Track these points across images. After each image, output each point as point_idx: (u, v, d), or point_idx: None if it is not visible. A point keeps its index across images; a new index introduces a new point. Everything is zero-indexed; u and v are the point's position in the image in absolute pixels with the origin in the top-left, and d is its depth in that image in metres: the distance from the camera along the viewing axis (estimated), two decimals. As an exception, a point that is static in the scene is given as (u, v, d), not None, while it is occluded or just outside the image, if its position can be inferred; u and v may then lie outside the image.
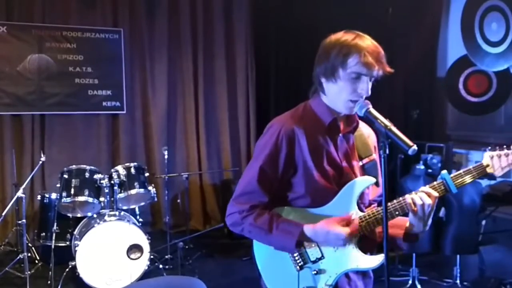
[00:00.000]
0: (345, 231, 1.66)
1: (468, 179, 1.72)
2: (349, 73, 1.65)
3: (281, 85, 6.80)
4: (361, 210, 1.76)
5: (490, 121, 5.78)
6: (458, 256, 4.34)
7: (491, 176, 5.01)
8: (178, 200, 6.10)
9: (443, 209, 4.25)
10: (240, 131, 6.71)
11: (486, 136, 5.65)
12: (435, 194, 1.68)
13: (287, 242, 1.69)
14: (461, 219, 4.24)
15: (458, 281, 4.31)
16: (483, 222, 4.88)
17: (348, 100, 1.68)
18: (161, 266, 4.53)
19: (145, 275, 4.13)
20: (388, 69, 1.67)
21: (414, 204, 1.67)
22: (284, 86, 6.77)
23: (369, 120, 1.65)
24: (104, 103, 6.06)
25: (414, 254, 4.26)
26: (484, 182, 5.10)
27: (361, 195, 1.76)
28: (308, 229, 1.69)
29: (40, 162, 4.62)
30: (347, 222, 1.70)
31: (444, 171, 1.74)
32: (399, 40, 6.04)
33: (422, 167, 4.43)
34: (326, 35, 1.75)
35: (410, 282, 4.27)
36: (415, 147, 1.53)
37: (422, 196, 1.67)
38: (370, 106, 1.65)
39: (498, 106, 5.64)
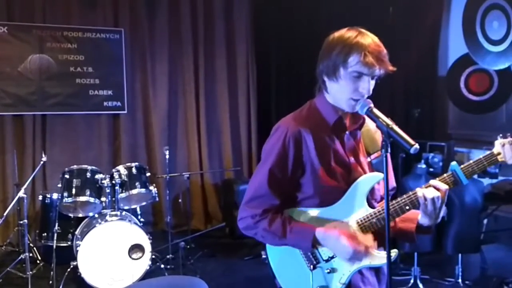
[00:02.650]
0: (354, 243, 1.66)
1: (479, 168, 1.70)
2: (350, 72, 1.64)
3: (282, 84, 6.79)
4: (373, 207, 1.76)
5: (492, 120, 5.77)
6: (460, 255, 4.33)
7: (493, 175, 4.98)
8: (180, 200, 6.09)
9: (444, 208, 4.22)
10: (241, 131, 6.71)
11: (488, 135, 5.60)
12: (444, 187, 1.69)
13: (301, 246, 1.74)
14: (463, 218, 4.23)
15: (460, 280, 4.31)
16: (485, 221, 4.88)
17: (350, 99, 1.68)
18: (162, 266, 4.53)
19: (147, 275, 4.13)
20: (390, 67, 1.66)
21: (424, 198, 1.67)
22: (285, 84, 6.76)
23: (371, 119, 1.65)
24: (105, 103, 6.07)
25: (415, 253, 4.26)
26: (486, 181, 5.09)
27: (372, 191, 1.77)
28: (319, 233, 1.70)
29: (42, 162, 4.62)
30: (360, 242, 1.69)
31: (454, 162, 1.72)
32: (400, 39, 6.02)
33: (424, 166, 4.43)
34: (327, 34, 1.74)
35: (412, 281, 4.26)
36: (417, 145, 1.53)
37: (431, 190, 1.68)
38: (372, 105, 1.65)
39: (499, 104, 5.63)
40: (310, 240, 1.70)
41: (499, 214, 5.10)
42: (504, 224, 5.12)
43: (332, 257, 1.74)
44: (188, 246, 5.17)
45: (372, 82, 1.68)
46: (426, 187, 1.69)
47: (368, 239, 1.70)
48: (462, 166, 1.71)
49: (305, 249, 1.75)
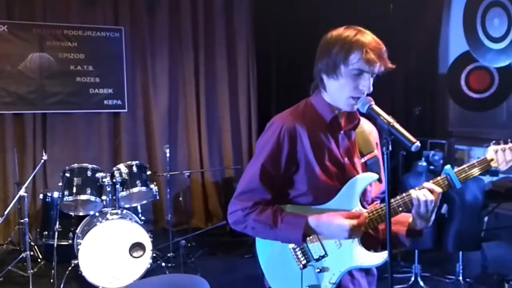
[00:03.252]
0: (348, 222, 1.65)
1: (472, 173, 1.70)
2: (350, 69, 1.64)
3: (282, 83, 6.79)
4: (364, 208, 1.75)
5: (492, 117, 5.77)
6: (460, 252, 4.34)
7: (493, 173, 4.98)
8: (180, 198, 6.10)
9: (445, 206, 4.24)
10: (241, 129, 6.70)
11: (488, 132, 5.64)
12: (438, 190, 1.67)
13: (293, 234, 1.69)
14: (464, 216, 4.23)
15: (460, 278, 4.31)
16: (486, 219, 4.88)
17: (350, 97, 1.67)
18: (163, 264, 4.53)
19: (148, 273, 4.13)
20: (390, 65, 1.66)
21: (418, 200, 1.66)
22: (285, 83, 6.76)
23: (372, 116, 1.63)
24: (105, 102, 6.07)
25: (416, 251, 4.26)
26: (487, 179, 5.09)
27: (363, 193, 1.75)
28: (312, 220, 1.68)
29: (42, 161, 4.62)
30: (353, 217, 1.68)
31: (448, 166, 1.72)
32: (400, 37, 6.02)
33: (424, 163, 4.42)
34: (327, 33, 1.73)
35: (412, 279, 4.27)
36: (418, 143, 1.52)
37: (425, 192, 1.66)
38: (373, 102, 1.64)
39: (500, 102, 5.63)
40: (302, 229, 1.67)
41: (500, 211, 5.10)
42: (505, 222, 5.12)
43: (323, 256, 1.73)
44: (189, 245, 5.17)
45: (371, 80, 1.68)
46: (420, 189, 1.68)
47: (360, 218, 1.68)
48: (455, 170, 1.71)
49: (296, 240, 1.70)
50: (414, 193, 1.67)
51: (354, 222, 1.65)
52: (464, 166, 1.71)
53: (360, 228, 1.68)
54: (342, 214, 1.68)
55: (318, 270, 1.73)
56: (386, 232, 1.56)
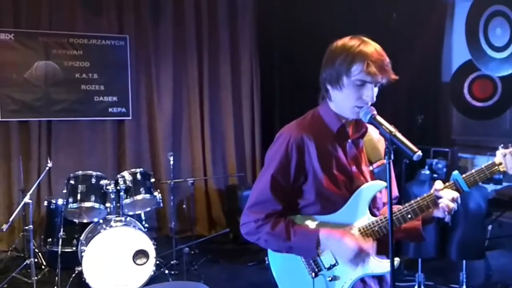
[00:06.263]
0: (358, 245, 1.67)
1: (480, 178, 1.72)
2: (353, 80, 1.66)
3: (286, 90, 6.81)
4: (374, 215, 1.77)
5: (495, 126, 5.77)
6: (464, 261, 4.32)
7: (497, 181, 4.96)
8: (184, 206, 6.11)
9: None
10: (245, 136, 6.72)
11: (492, 140, 5.63)
12: (456, 194, 1.72)
13: (306, 247, 1.72)
14: (467, 224, 4.22)
15: (464, 287, 4.28)
16: (489, 227, 4.87)
17: (355, 107, 1.70)
18: (167, 271, 4.54)
19: (151, 281, 4.14)
20: (393, 76, 1.68)
21: (453, 200, 1.71)
22: (289, 91, 6.78)
23: (374, 126, 1.66)
24: (110, 109, 6.10)
25: (420, 259, 4.25)
26: (490, 187, 5.08)
27: (374, 200, 1.78)
28: (323, 234, 1.71)
29: (47, 168, 4.65)
30: (362, 241, 1.70)
31: (456, 172, 1.75)
32: (403, 45, 6.04)
33: (428, 172, 4.42)
34: (331, 40, 1.76)
35: (416, 287, 4.25)
36: (419, 153, 1.54)
37: (449, 192, 1.72)
38: (375, 112, 1.66)
39: (503, 110, 5.63)
40: (315, 242, 1.70)
41: (504, 220, 5.09)
42: (509, 230, 5.10)
43: (334, 265, 1.75)
44: (192, 252, 5.17)
45: (375, 89, 1.70)
46: (443, 198, 1.71)
47: (368, 244, 1.71)
48: (464, 175, 1.73)
49: (309, 253, 1.74)
50: (444, 201, 1.71)
51: (362, 244, 1.68)
52: (473, 171, 1.73)
53: (367, 255, 1.70)
54: (353, 236, 1.70)
55: (330, 278, 1.75)
56: (388, 243, 1.57)
